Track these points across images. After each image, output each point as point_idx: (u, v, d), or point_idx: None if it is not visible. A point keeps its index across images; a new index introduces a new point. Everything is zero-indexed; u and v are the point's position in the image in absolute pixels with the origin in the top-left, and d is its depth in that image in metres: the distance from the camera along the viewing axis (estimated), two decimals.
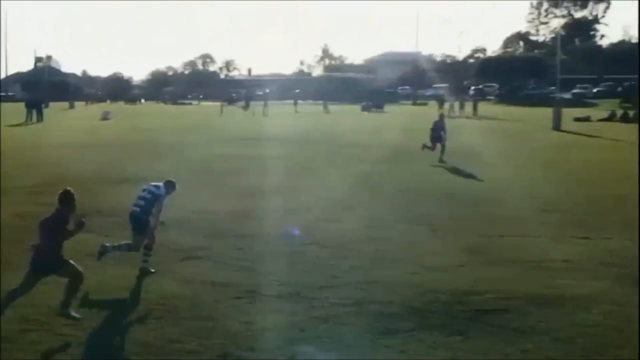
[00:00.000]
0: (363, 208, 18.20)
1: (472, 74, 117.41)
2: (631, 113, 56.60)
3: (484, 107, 70.86)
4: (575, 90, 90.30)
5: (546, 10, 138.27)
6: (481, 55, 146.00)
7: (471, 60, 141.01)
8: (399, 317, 10.04)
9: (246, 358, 8.71)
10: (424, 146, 28.94)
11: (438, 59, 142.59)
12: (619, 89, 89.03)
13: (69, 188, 9.79)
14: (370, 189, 21.48)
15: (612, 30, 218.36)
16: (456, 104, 68.44)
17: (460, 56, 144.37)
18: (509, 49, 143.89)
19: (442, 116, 31.02)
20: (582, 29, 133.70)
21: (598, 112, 64.83)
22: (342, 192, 20.54)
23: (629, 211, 17.53)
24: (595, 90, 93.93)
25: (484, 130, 29.89)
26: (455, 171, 25.55)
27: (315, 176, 24.06)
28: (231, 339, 9.24)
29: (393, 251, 13.69)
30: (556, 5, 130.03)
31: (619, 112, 60.10)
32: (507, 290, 11.05)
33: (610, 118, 58.45)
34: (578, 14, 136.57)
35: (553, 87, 65.92)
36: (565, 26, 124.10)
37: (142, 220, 11.97)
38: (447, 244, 14.35)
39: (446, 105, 69.97)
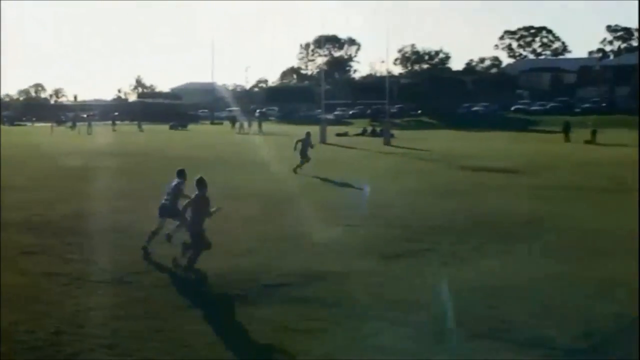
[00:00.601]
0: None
1: (257, 99, 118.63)
2: (378, 129, 59.44)
3: (267, 126, 71.89)
4: (336, 112, 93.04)
5: (312, 50, 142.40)
6: (264, 85, 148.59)
7: (256, 89, 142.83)
8: (203, 294, 10.07)
9: (76, 333, 8.33)
10: (297, 167, 26.38)
11: (230, 87, 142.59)
12: (368, 111, 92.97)
13: (201, 175, 10.96)
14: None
15: (362, 66, 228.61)
16: (245, 123, 69.41)
17: (248, 85, 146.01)
18: (285, 80, 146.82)
19: (308, 134, 28.33)
20: (340, 65, 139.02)
21: (353, 129, 67.72)
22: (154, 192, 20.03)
23: (375, 203, 18.33)
24: (350, 112, 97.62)
25: (270, 144, 30.25)
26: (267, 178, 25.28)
27: (133, 181, 23.25)
28: (63, 319, 8.82)
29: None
30: (320, 47, 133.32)
31: (369, 129, 63.30)
32: (288, 269, 11.28)
33: (362, 133, 61.47)
34: (337, 54, 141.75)
35: (319, 110, 67.50)
36: (327, 63, 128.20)
37: (170, 209, 12.28)
38: (244, 234, 14.33)
39: (237, 124, 70.81)
